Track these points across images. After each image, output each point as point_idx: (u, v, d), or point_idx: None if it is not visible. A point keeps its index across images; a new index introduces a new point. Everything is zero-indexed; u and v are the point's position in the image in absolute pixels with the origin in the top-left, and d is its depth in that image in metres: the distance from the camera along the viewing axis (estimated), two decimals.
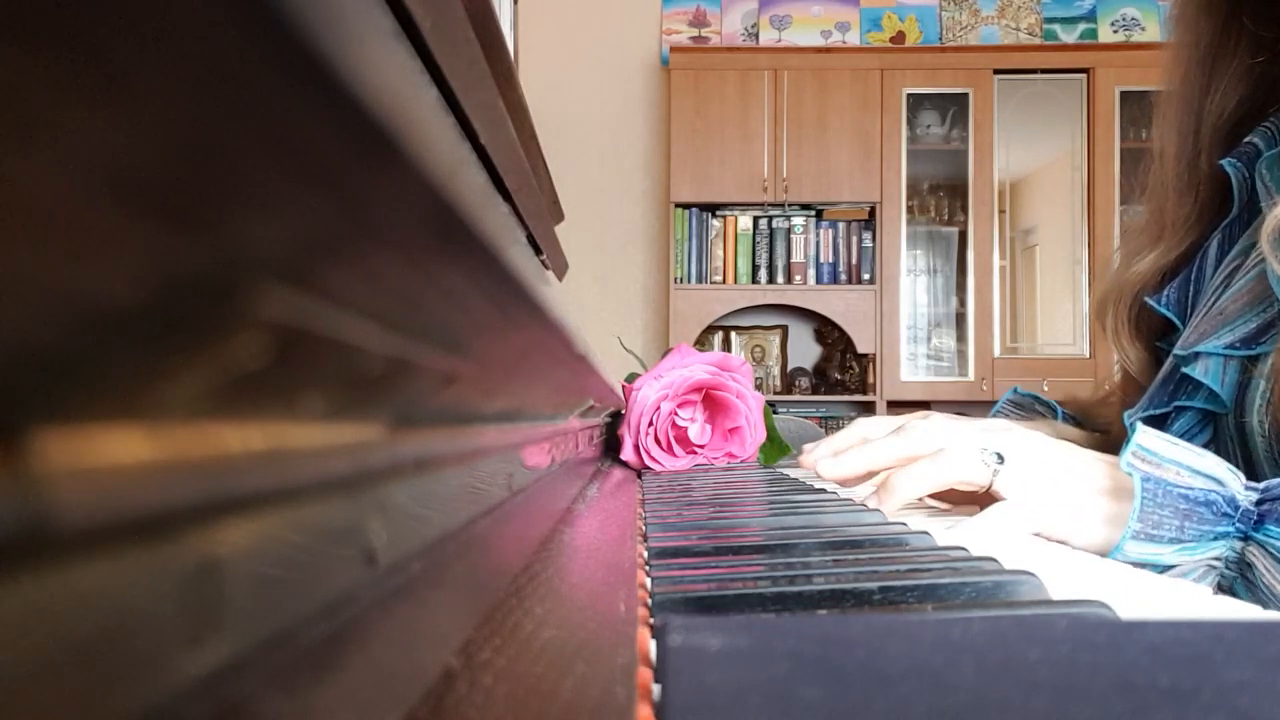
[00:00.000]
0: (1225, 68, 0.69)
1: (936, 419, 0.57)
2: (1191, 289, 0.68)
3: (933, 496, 0.61)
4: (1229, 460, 0.52)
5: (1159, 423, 0.64)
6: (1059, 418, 0.81)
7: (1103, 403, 0.81)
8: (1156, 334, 0.72)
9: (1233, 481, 0.48)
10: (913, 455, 0.55)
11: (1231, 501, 0.47)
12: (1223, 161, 0.66)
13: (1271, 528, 0.45)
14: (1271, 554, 0.45)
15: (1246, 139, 0.67)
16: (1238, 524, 0.47)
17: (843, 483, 0.62)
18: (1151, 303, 0.69)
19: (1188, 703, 0.16)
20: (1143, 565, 0.47)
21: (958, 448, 0.53)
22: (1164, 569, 0.47)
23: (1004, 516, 0.50)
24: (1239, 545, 0.47)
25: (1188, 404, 0.61)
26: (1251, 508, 0.47)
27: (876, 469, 0.58)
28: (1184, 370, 0.62)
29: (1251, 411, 0.57)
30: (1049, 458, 0.52)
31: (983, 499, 0.54)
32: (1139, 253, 0.73)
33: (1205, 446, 0.58)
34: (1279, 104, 0.67)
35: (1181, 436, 0.61)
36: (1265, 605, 0.43)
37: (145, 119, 0.07)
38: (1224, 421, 0.60)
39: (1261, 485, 0.48)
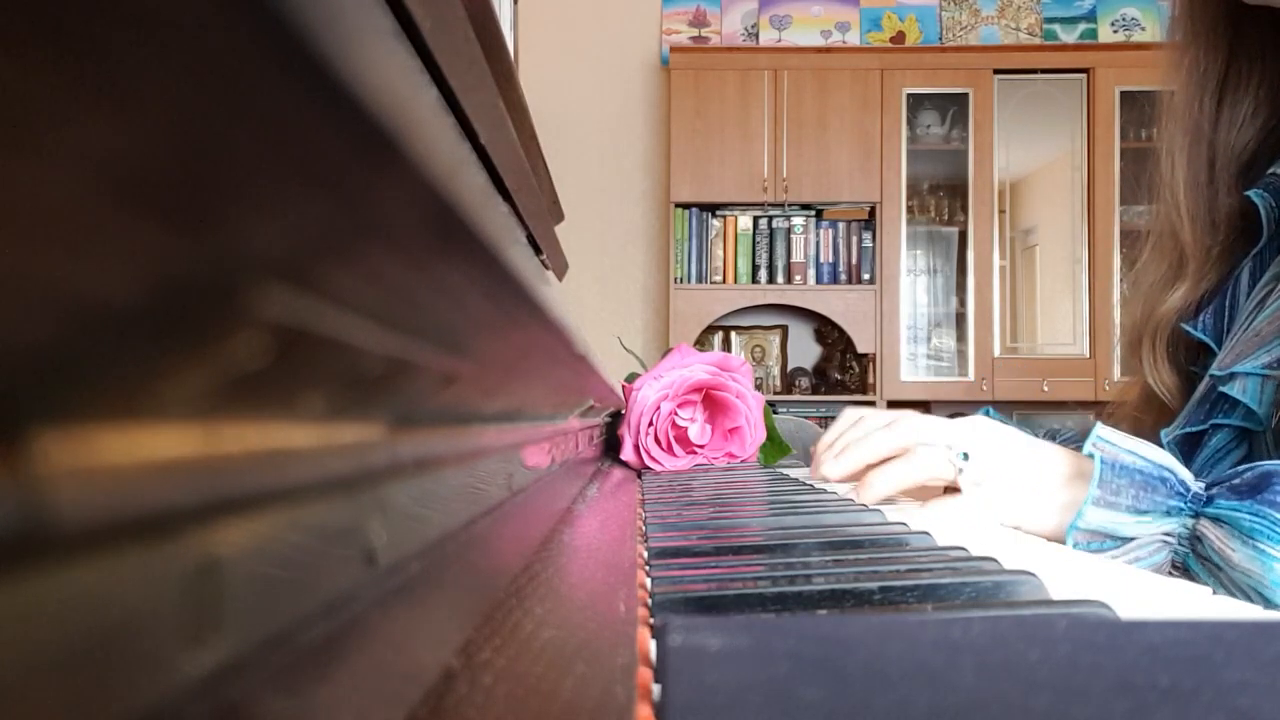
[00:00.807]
0: (1239, 103, 0.71)
1: (924, 418, 0.62)
2: (1226, 315, 0.70)
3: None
4: None
5: (1194, 440, 0.67)
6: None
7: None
8: (1190, 359, 0.74)
9: (1183, 471, 0.53)
10: (894, 452, 0.60)
11: (1183, 483, 0.52)
12: (1250, 193, 0.68)
13: (1222, 501, 0.50)
14: (1221, 523, 0.49)
15: (1270, 170, 0.68)
16: (1189, 503, 0.51)
17: (841, 479, 0.65)
18: (1188, 328, 0.72)
19: (1188, 703, 0.16)
20: (1103, 536, 0.52)
21: (928, 448, 0.58)
22: (1122, 542, 0.52)
23: (950, 510, 0.55)
24: (1190, 522, 0.51)
25: (1224, 421, 0.64)
26: (1201, 491, 0.52)
27: (872, 462, 0.62)
28: (1221, 389, 0.64)
29: None
30: (1011, 454, 0.57)
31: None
32: (1166, 285, 0.75)
33: (1240, 463, 0.62)
34: None
35: (1217, 452, 0.65)
36: (1215, 576, 0.48)
37: (145, 119, 0.07)
38: (1259, 438, 0.63)
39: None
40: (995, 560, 0.34)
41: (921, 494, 0.63)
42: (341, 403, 0.14)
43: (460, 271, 0.15)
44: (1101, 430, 0.54)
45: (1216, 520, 0.49)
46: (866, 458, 0.62)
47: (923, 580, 0.29)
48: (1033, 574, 0.30)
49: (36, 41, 0.06)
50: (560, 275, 0.68)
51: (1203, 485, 0.52)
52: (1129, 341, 0.78)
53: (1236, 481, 0.50)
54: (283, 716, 0.12)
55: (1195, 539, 0.50)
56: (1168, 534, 0.51)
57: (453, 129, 0.17)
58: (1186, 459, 0.67)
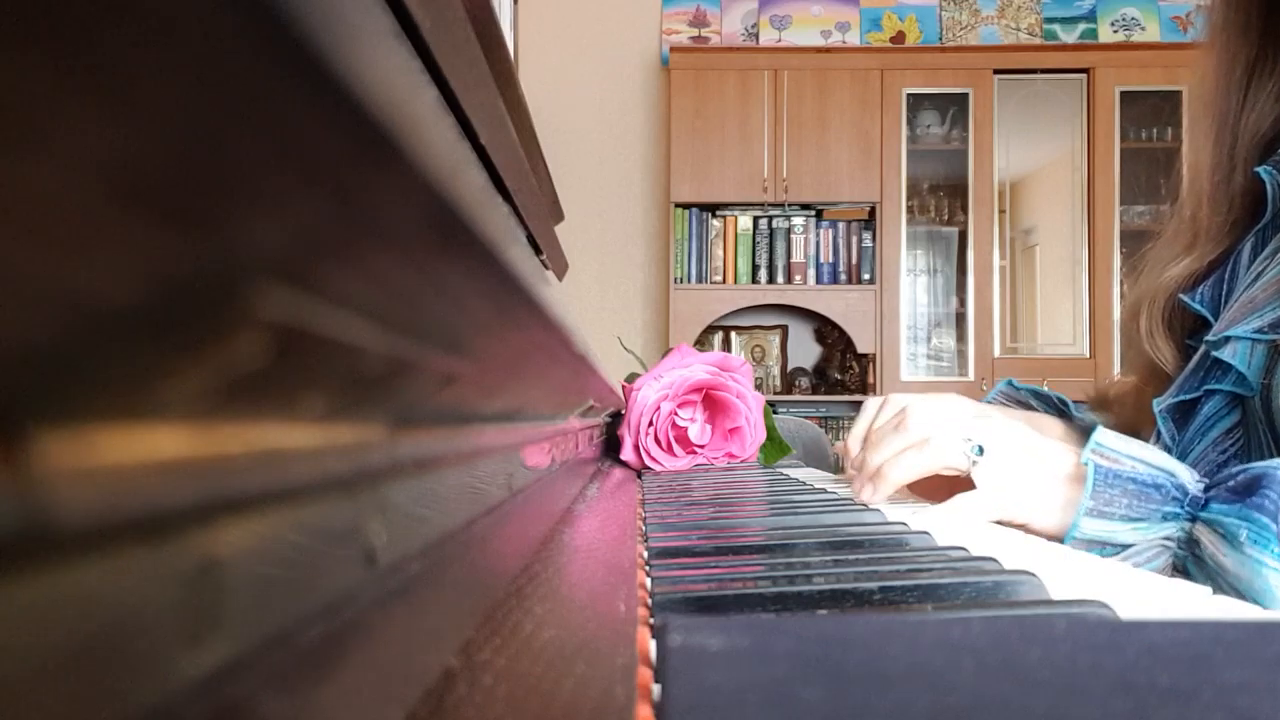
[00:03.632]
0: (1262, 88, 0.72)
1: (932, 403, 0.62)
2: (1225, 287, 0.70)
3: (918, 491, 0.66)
4: (1259, 444, 0.58)
5: (1188, 408, 0.67)
6: (1072, 414, 0.82)
7: (1118, 401, 0.83)
8: (1188, 333, 0.74)
9: (1184, 473, 0.53)
10: (908, 445, 0.60)
11: (1180, 487, 0.52)
12: (1259, 169, 0.69)
13: (1215, 505, 0.49)
14: (1215, 530, 0.49)
15: None
16: (1186, 507, 0.51)
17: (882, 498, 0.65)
18: (1186, 299, 0.72)
19: (1188, 703, 0.16)
20: (1101, 544, 0.52)
21: (944, 437, 0.58)
22: (1122, 548, 0.52)
23: (968, 504, 0.56)
24: (1188, 526, 0.51)
25: (1216, 387, 0.64)
26: (1200, 494, 0.51)
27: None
28: (1214, 354, 0.64)
29: (1277, 394, 0.60)
30: (1024, 451, 0.57)
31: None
32: (1173, 259, 0.75)
33: (1233, 429, 0.63)
34: None
35: (1209, 419, 0.65)
36: (1213, 579, 0.48)
37: (145, 119, 0.07)
38: (1251, 404, 0.63)
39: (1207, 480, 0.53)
40: (995, 560, 0.34)
41: (932, 495, 0.64)
42: (341, 403, 0.14)
43: (460, 271, 0.15)
44: (1101, 436, 0.54)
45: (1210, 524, 0.49)
46: (884, 460, 0.61)
47: (923, 580, 0.29)
48: (1033, 574, 0.30)
49: (36, 41, 0.06)
50: (560, 275, 0.68)
51: (1201, 487, 0.52)
52: (1129, 311, 0.79)
53: (1231, 484, 0.50)
54: (283, 716, 0.12)
55: (1193, 542, 0.50)
56: (1167, 538, 0.51)
57: (453, 129, 0.17)
58: (1180, 427, 0.67)
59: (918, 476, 0.59)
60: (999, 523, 0.56)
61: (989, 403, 0.86)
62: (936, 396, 0.63)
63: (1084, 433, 0.78)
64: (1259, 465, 0.49)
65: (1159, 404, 0.68)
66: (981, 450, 0.57)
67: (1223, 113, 0.73)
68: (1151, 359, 0.75)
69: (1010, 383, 0.87)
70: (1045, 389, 0.85)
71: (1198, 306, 0.71)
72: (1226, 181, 0.72)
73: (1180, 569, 0.51)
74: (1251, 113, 0.72)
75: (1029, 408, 0.84)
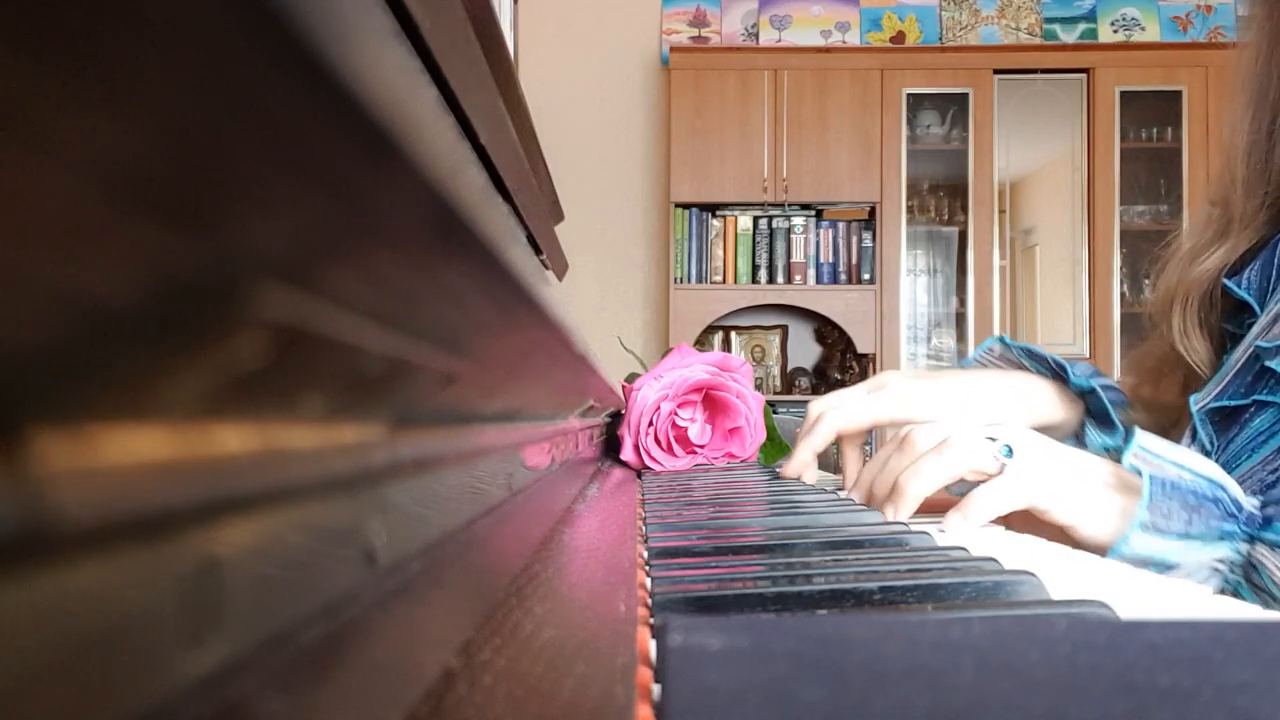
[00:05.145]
0: None
1: (933, 424, 0.56)
2: (1274, 273, 0.64)
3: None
4: None
5: (1233, 415, 0.61)
6: (1070, 380, 0.75)
7: (1155, 396, 0.75)
8: (1225, 316, 0.68)
9: (1232, 485, 0.48)
10: (921, 454, 0.54)
11: (1235, 503, 0.47)
12: None
13: (1279, 523, 0.45)
14: None
15: None
16: (1243, 525, 0.46)
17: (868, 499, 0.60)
18: (1230, 285, 0.65)
19: (1188, 703, 0.16)
20: (1146, 563, 0.47)
21: (963, 438, 0.52)
22: (1167, 569, 0.47)
23: (989, 492, 0.50)
24: (1244, 547, 0.46)
25: (1269, 399, 0.58)
26: (1255, 511, 0.47)
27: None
28: (1269, 364, 0.58)
29: None
30: (1057, 452, 0.52)
31: (1033, 523, 0.53)
32: (1206, 248, 0.69)
33: None
34: None
35: (1258, 434, 0.59)
36: (1273, 609, 0.43)
37: (145, 119, 0.07)
38: None
39: (1261, 496, 0.48)
40: (995, 560, 0.34)
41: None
42: (341, 403, 0.14)
43: (460, 271, 0.15)
44: (1143, 439, 0.49)
45: (1276, 546, 0.45)
46: (887, 483, 0.55)
47: (923, 580, 0.29)
48: (1033, 574, 0.30)
49: (36, 41, 0.06)
50: (560, 275, 0.68)
51: (1257, 504, 0.47)
52: (1159, 305, 0.72)
53: None
54: (283, 716, 0.12)
55: (1250, 566, 0.46)
56: (1219, 560, 0.46)
57: (453, 129, 0.17)
58: (1221, 433, 0.61)
59: (941, 484, 0.53)
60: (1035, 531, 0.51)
61: (973, 360, 0.79)
62: (891, 383, 0.58)
63: (1079, 401, 0.74)
64: None
65: (1198, 403, 0.62)
66: (1010, 451, 0.51)
67: (1261, 87, 0.66)
68: (1182, 356, 0.68)
69: (1002, 339, 0.78)
70: (1041, 349, 0.75)
71: (1242, 293, 0.64)
72: (1264, 162, 0.66)
73: (1230, 594, 0.46)
74: None
75: (1021, 368, 0.76)
